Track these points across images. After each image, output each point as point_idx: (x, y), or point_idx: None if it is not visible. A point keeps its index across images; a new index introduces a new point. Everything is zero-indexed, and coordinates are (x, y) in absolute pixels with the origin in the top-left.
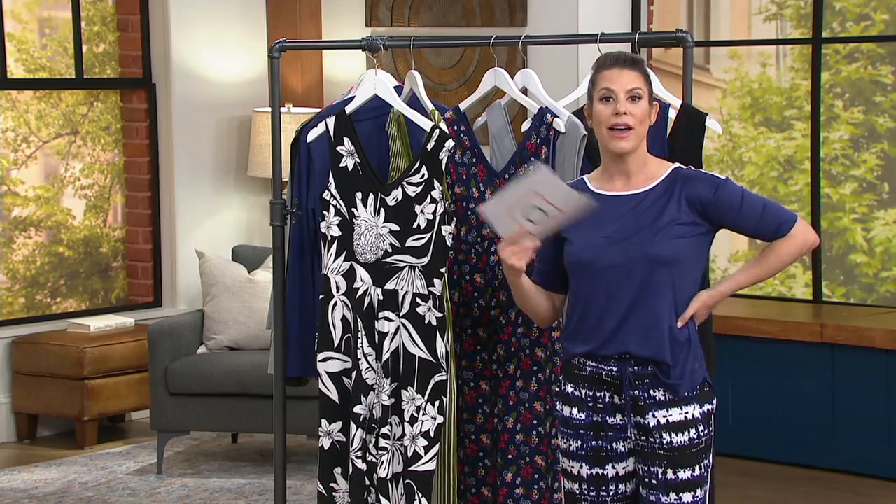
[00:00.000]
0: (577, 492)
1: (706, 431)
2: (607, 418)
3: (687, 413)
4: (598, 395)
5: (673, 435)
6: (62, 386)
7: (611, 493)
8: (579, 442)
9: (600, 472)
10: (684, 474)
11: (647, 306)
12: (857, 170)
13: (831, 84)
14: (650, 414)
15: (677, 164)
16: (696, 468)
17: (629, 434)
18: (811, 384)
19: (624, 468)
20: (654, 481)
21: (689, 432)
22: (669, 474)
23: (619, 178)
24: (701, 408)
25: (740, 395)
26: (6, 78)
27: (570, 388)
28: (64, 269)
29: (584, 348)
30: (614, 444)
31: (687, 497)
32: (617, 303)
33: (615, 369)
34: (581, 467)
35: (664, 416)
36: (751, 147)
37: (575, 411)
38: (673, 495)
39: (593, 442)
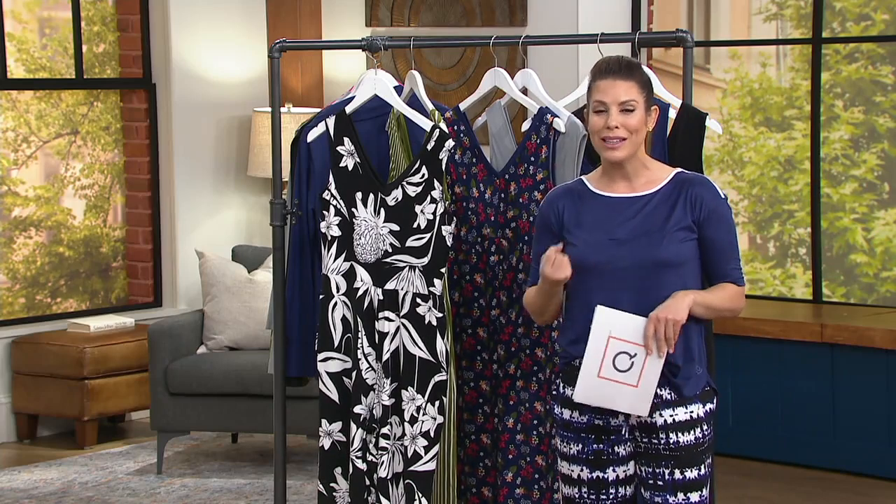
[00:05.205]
0: (577, 496)
1: (709, 431)
2: (610, 420)
3: (692, 412)
4: None
5: (679, 434)
6: (62, 386)
7: (610, 497)
8: (580, 445)
9: (601, 475)
10: (691, 473)
11: (655, 307)
12: (857, 170)
13: (831, 84)
14: (657, 413)
15: (679, 169)
16: (702, 467)
17: (632, 436)
18: (811, 384)
19: (624, 471)
20: (661, 482)
21: (695, 431)
22: (677, 474)
23: (620, 181)
24: (704, 407)
25: (740, 395)
26: (6, 78)
27: (569, 391)
28: (64, 269)
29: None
30: (616, 448)
31: (694, 497)
32: (622, 304)
33: None
34: (581, 470)
35: (671, 416)
36: (751, 147)
37: (576, 414)
38: (681, 495)
39: (594, 445)
